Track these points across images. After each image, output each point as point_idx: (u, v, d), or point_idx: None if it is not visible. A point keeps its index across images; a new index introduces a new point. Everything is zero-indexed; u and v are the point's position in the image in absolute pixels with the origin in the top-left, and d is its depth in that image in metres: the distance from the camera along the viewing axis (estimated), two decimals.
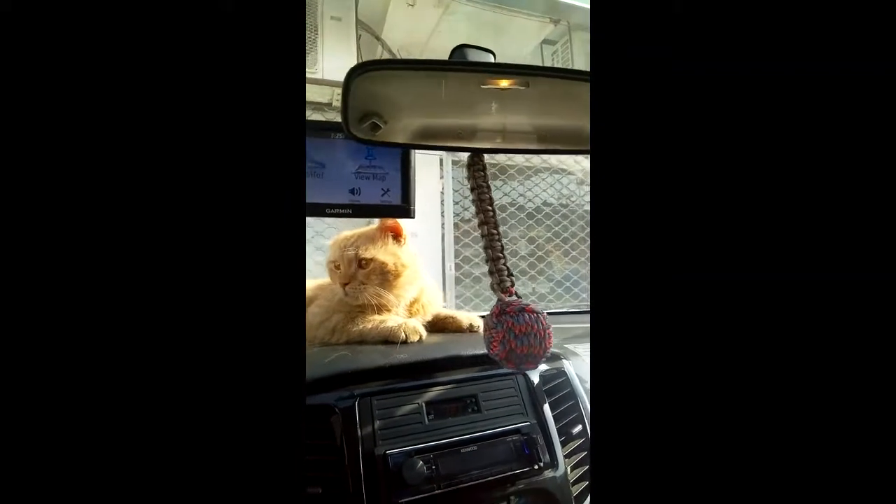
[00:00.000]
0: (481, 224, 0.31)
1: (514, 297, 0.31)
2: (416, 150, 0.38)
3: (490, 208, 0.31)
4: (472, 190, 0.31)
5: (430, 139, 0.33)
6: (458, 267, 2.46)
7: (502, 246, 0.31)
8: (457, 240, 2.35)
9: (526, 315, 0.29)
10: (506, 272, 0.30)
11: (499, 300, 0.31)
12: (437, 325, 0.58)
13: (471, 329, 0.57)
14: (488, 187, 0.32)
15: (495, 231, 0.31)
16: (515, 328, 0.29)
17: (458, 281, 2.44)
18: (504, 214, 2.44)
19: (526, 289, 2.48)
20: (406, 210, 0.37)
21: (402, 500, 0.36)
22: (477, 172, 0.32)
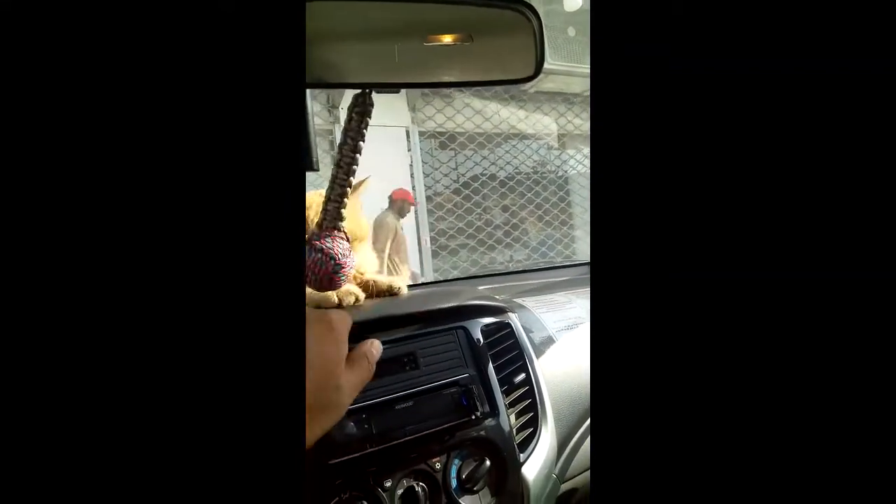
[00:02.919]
0: (335, 165, 0.31)
1: (332, 234, 0.32)
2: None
3: (350, 155, 0.30)
4: (343, 130, 0.30)
5: (360, 77, 0.32)
6: (433, 240, 2.45)
7: (344, 193, 0.32)
8: (430, 213, 2.34)
9: (315, 254, 0.32)
10: (334, 215, 0.33)
11: (311, 234, 0.33)
12: (365, 291, 0.57)
13: (390, 291, 0.53)
14: (360, 134, 0.30)
15: (345, 178, 0.31)
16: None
17: (434, 254, 2.44)
18: (476, 184, 2.43)
19: (503, 257, 2.50)
20: (308, 163, 0.35)
21: (333, 461, 0.36)
22: (356, 114, 0.30)
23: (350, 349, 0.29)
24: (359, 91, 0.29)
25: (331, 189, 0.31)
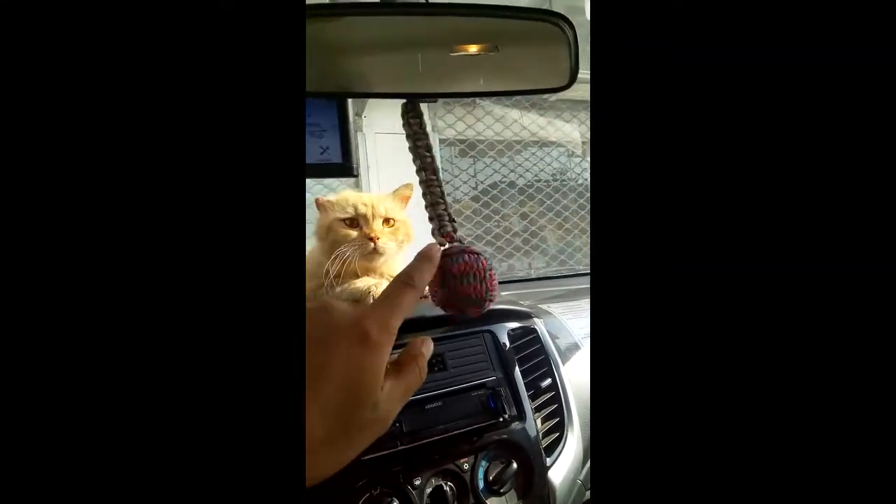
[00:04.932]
0: (419, 170, 0.30)
1: (456, 244, 0.30)
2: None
3: (428, 154, 0.30)
4: (408, 137, 0.30)
5: (391, 87, 0.33)
6: None
7: (442, 192, 0.30)
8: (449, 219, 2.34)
9: (465, 256, 0.28)
10: (446, 217, 0.29)
11: (451, 246, 0.29)
12: None
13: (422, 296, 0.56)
14: (425, 133, 0.31)
15: (434, 177, 0.30)
16: (453, 268, 0.28)
17: None
18: (495, 191, 2.42)
19: (521, 264, 2.48)
20: (348, 168, 0.36)
21: (365, 457, 0.37)
22: (412, 119, 0.31)
23: (398, 348, 0.25)
24: (405, 101, 0.31)
25: (430, 194, 0.29)
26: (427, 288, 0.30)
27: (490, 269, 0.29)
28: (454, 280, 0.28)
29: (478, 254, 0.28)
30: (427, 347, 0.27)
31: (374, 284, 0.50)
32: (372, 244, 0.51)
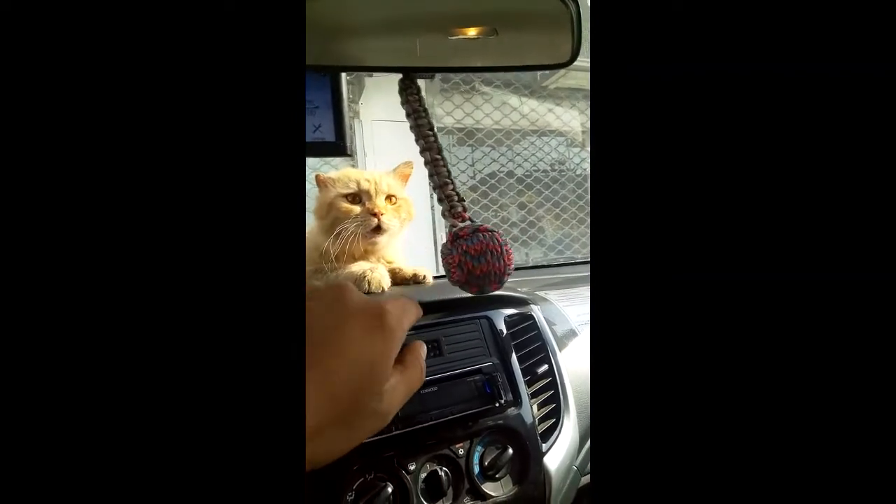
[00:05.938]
0: (423, 151, 0.29)
1: (468, 222, 0.29)
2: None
3: (431, 133, 0.29)
4: (409, 116, 0.29)
5: (385, 60, 0.31)
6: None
7: (448, 171, 0.29)
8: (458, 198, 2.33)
9: (480, 235, 0.28)
10: (455, 198, 0.29)
11: (451, 226, 0.29)
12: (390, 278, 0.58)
13: (415, 279, 0.55)
14: (425, 111, 0.30)
15: (439, 156, 0.29)
16: (470, 249, 0.28)
17: None
18: (493, 181, 2.41)
19: (519, 255, 2.47)
20: (342, 147, 0.35)
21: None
22: (411, 96, 0.30)
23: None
24: (402, 76, 0.29)
25: (437, 174, 0.29)
26: (446, 271, 0.29)
27: (505, 244, 0.28)
28: (472, 260, 0.28)
29: (491, 231, 0.28)
30: (424, 350, 0.27)
31: (370, 269, 0.49)
32: (375, 220, 0.51)
